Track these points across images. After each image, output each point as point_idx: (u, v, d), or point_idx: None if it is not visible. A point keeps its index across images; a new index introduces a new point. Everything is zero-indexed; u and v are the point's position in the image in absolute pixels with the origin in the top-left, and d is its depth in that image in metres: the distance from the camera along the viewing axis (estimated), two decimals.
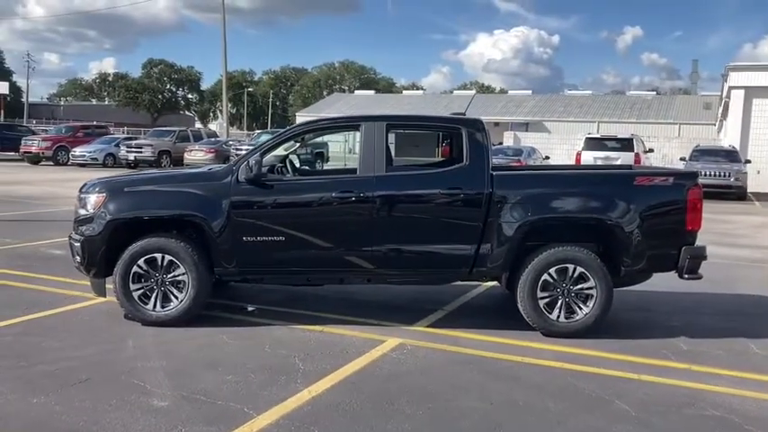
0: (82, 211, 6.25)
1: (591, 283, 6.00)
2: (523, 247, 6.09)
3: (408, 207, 6.13)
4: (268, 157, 6.38)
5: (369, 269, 6.17)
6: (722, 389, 4.96)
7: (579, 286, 6.03)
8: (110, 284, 6.26)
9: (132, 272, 6.05)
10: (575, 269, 6.00)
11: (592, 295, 6.02)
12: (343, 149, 41.03)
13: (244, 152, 6.55)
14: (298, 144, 7.16)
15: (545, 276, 6.02)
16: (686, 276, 6.13)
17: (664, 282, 6.94)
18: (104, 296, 6.39)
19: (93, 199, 6.19)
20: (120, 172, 9.76)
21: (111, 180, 6.47)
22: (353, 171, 6.40)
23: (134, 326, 6.10)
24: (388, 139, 6.21)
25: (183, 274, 6.05)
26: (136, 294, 6.08)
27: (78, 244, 6.17)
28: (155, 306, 6.09)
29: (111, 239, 6.08)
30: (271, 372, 5.04)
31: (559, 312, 6.04)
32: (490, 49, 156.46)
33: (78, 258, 6.22)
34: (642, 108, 63.57)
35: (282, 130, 6.60)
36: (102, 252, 6.09)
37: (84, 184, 6.46)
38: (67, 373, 4.92)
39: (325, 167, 9.46)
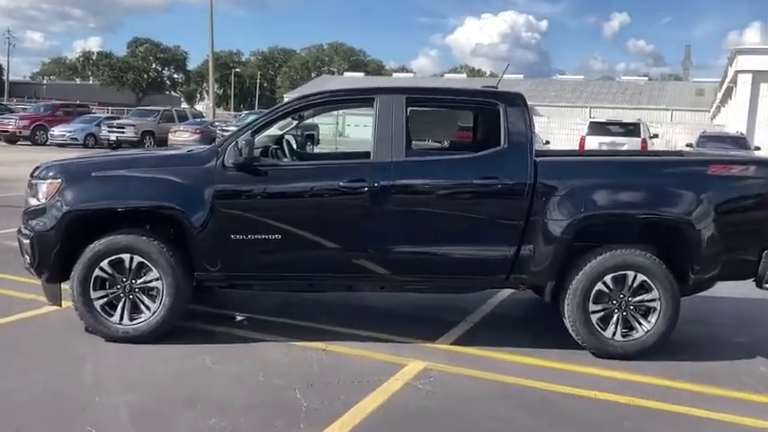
0: (32, 201, 5.10)
1: (654, 294, 4.94)
2: (572, 250, 5.02)
3: (433, 200, 5.03)
4: (260, 137, 5.26)
5: (383, 275, 5.08)
6: None
7: (639, 298, 4.98)
8: (68, 287, 5.11)
9: (94, 276, 4.93)
10: (635, 277, 4.94)
11: (654, 308, 4.96)
12: (333, 132, 39.59)
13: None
14: (295, 122, 6.03)
15: (599, 285, 4.95)
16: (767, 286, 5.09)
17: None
18: (59, 305, 5.24)
19: (46, 186, 5.03)
20: (90, 152, 8.65)
21: (69, 163, 5.31)
22: (365, 155, 5.28)
23: (96, 342, 4.98)
24: (407, 116, 5.09)
25: (157, 279, 4.93)
26: (98, 304, 4.96)
27: (27, 241, 5.03)
28: (121, 318, 4.97)
29: (67, 236, 4.94)
30: (265, 411, 3.95)
31: (615, 329, 4.99)
32: (478, 34, 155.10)
33: (28, 258, 5.08)
34: (634, 94, 62.88)
35: (278, 105, 5.45)
36: (56, 251, 4.95)
37: (37, 167, 5.29)
38: (1, 412, 3.80)
39: (331, 150, 8.24)
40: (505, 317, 6.18)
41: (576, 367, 4.86)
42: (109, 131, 29.69)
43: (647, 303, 4.98)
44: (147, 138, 29.91)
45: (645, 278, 4.94)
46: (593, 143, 21.14)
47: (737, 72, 26.12)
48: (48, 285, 5.15)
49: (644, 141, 21.18)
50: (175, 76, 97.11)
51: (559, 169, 5.11)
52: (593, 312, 4.98)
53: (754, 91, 25.63)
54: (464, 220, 5.01)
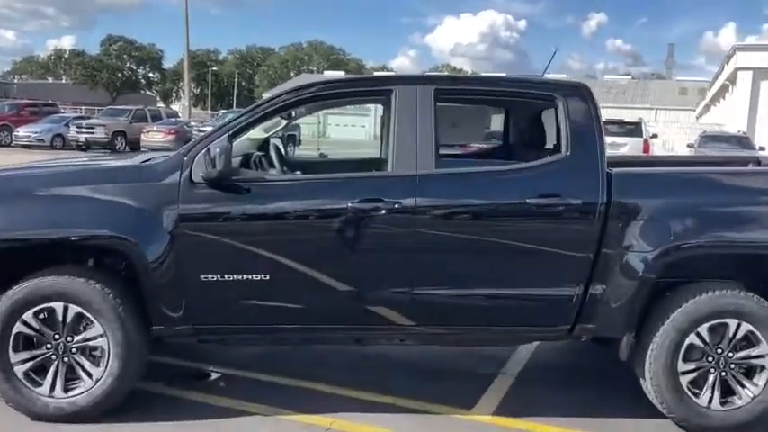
0: None
1: (762, 348, 3.75)
2: (656, 290, 3.80)
3: (472, 226, 3.79)
4: (239, 142, 3.99)
5: (404, 325, 3.83)
6: None
7: (743, 353, 3.77)
8: None
9: (14, 332, 3.62)
10: (738, 326, 3.73)
11: (762, 367, 3.76)
12: (314, 133, 37.68)
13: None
14: (285, 122, 4.75)
15: (691, 338, 3.74)
16: None
17: None
18: None
19: None
20: (51, 156, 7.38)
21: None
22: (379, 165, 4.03)
23: (18, 423, 3.66)
24: (437, 114, 3.83)
25: (101, 335, 3.64)
26: (20, 369, 3.65)
27: None
28: (53, 388, 3.67)
29: None
30: None
31: (711, 394, 3.77)
32: (457, 33, 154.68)
33: None
34: (618, 93, 62.43)
35: (263, 101, 4.12)
36: None
37: None
38: None
39: (332, 158, 6.90)
40: (550, 366, 4.93)
41: None
42: (78, 132, 27.96)
43: (752, 360, 3.78)
44: (119, 139, 28.26)
45: (751, 328, 3.73)
46: None
47: (737, 69, 25.18)
48: None
49: (646, 142, 20.11)
50: (151, 74, 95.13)
51: (641, 184, 3.87)
52: (684, 373, 3.76)
53: (754, 89, 24.71)
54: (514, 253, 3.78)
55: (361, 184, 3.81)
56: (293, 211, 3.74)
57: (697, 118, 48.63)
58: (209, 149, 3.60)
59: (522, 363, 4.87)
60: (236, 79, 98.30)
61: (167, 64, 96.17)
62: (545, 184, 3.76)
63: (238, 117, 3.88)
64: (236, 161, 3.96)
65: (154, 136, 26.98)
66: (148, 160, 4.03)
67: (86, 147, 27.39)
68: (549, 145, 3.96)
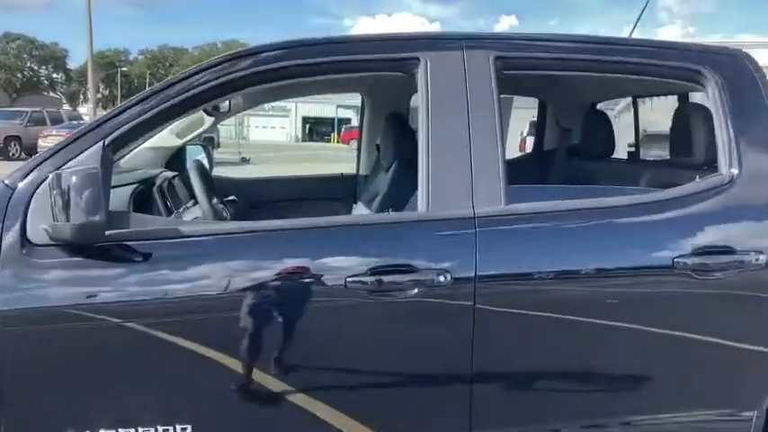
0: None
1: None
2: None
3: (580, 310, 2.04)
4: (136, 155, 2.13)
5: None
6: None
7: None
8: None
9: None
10: None
11: None
12: (233, 135, 34.49)
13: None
14: (212, 119, 2.90)
15: None
16: None
17: None
18: None
19: None
20: None
21: None
22: (394, 192, 2.25)
23: None
24: (501, 104, 2.08)
25: None
26: None
27: None
28: None
29: None
30: None
31: None
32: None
33: None
34: None
35: (169, 81, 2.17)
36: None
37: None
38: None
39: (282, 175, 4.98)
40: None
41: None
42: None
43: None
44: (13, 144, 25.42)
45: None
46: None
47: None
48: None
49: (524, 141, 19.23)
50: (54, 75, 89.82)
51: None
52: None
53: None
54: (649, 354, 2.09)
55: (367, 237, 2.02)
56: (240, 294, 1.90)
57: (615, 117, 48.99)
58: (59, 177, 1.73)
59: None
60: (147, 80, 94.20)
61: (73, 64, 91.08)
62: (701, 230, 2.08)
63: (124, 110, 2.00)
64: (124, 195, 2.10)
65: (53, 141, 24.07)
66: None
67: None
68: (692, 155, 2.30)
